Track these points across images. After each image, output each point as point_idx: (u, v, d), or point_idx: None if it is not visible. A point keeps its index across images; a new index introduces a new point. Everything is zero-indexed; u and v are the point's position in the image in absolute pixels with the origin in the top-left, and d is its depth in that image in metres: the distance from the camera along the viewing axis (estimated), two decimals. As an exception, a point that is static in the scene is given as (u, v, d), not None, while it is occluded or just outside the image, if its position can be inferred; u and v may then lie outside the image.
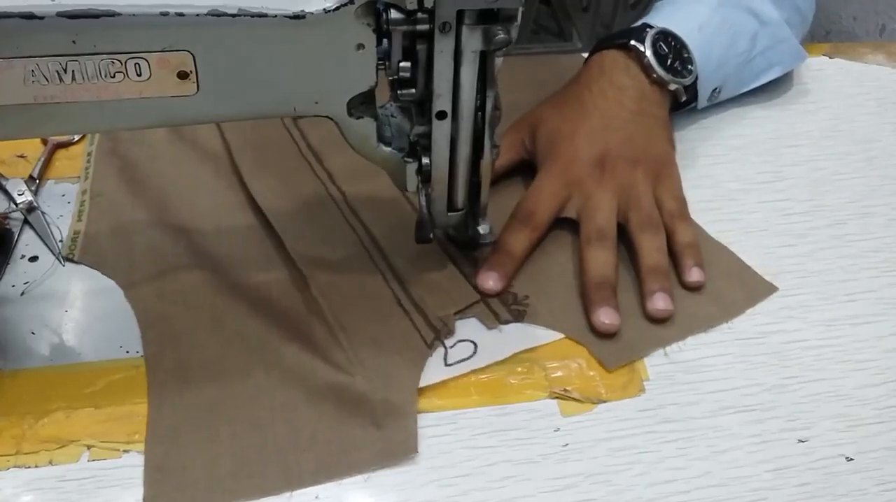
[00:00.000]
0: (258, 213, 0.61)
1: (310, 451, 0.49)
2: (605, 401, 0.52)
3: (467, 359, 0.54)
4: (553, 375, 0.54)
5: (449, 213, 0.55)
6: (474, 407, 0.52)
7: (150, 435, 0.49)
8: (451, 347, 0.54)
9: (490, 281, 0.57)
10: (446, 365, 0.53)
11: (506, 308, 0.57)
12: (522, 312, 0.57)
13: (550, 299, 0.57)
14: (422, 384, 0.52)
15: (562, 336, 0.56)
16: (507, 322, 0.56)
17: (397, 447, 0.49)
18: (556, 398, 0.53)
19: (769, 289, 0.60)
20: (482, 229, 0.56)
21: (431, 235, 0.54)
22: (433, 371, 0.53)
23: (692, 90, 0.69)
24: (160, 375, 0.52)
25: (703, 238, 0.62)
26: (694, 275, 0.58)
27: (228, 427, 0.50)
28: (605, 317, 0.55)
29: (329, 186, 0.64)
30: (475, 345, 0.55)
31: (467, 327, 0.56)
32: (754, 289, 0.59)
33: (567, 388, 0.53)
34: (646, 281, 0.57)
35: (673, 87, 0.66)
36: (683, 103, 0.69)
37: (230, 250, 0.59)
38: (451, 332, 0.55)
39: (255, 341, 0.54)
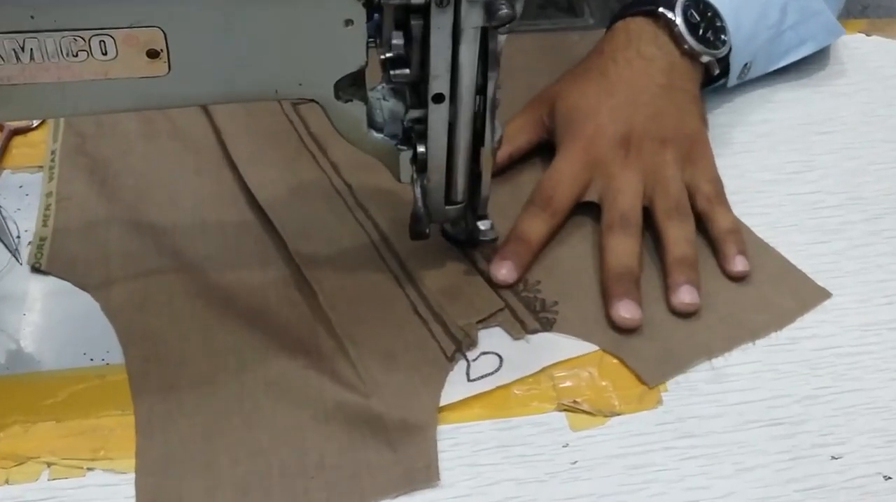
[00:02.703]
0: (253, 208, 0.60)
1: (318, 478, 0.47)
2: (618, 414, 0.52)
3: (492, 373, 0.52)
4: (561, 385, 0.53)
5: (447, 207, 0.54)
6: (475, 420, 0.51)
7: (140, 466, 0.47)
8: (474, 360, 0.53)
9: (503, 269, 0.56)
10: (469, 380, 0.52)
11: (533, 316, 0.55)
12: (551, 321, 0.55)
13: (581, 305, 0.55)
14: (443, 402, 0.50)
15: (595, 347, 0.54)
16: (534, 331, 0.54)
17: (417, 474, 0.47)
18: (565, 410, 0.52)
19: (822, 294, 0.57)
20: (482, 225, 0.55)
21: (428, 230, 0.53)
22: (454, 387, 0.51)
23: (723, 64, 0.67)
24: (147, 398, 0.50)
25: (743, 233, 0.60)
26: (738, 264, 0.57)
27: (227, 453, 0.48)
28: (626, 310, 0.54)
29: (334, 178, 0.63)
30: (500, 357, 0.53)
31: (491, 338, 0.54)
32: (806, 294, 0.57)
33: (577, 400, 0.52)
34: (671, 273, 0.56)
35: (705, 59, 0.65)
36: (713, 79, 0.67)
37: (220, 252, 0.58)
38: (473, 344, 0.53)
39: (253, 356, 0.52)
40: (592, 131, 0.60)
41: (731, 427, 0.51)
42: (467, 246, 0.58)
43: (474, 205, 0.55)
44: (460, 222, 0.56)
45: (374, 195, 0.61)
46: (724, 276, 0.58)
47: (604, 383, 0.53)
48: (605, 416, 0.52)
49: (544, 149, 0.64)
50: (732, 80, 0.69)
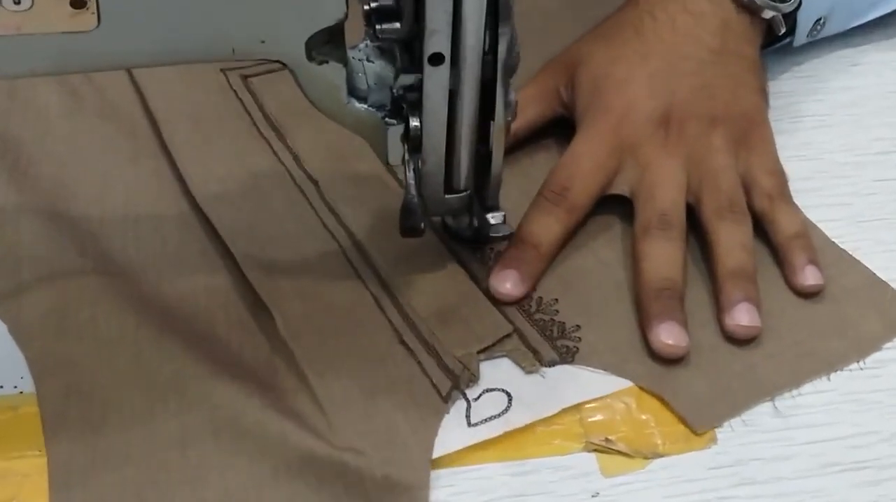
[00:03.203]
0: (197, 212, 0.58)
1: None
2: (662, 456, 0.49)
3: (498, 415, 0.50)
4: (590, 419, 0.51)
5: (447, 196, 0.53)
6: (482, 462, 0.49)
7: None
8: (476, 400, 0.51)
9: (507, 282, 0.54)
10: (470, 425, 0.50)
11: (549, 343, 0.53)
12: (573, 350, 0.53)
13: (611, 329, 0.54)
14: (436, 454, 0.48)
15: (629, 384, 0.52)
16: (552, 363, 0.52)
17: None
18: (595, 451, 0.50)
19: None
20: (493, 218, 0.53)
21: (423, 225, 0.51)
22: (452, 434, 0.49)
23: (791, 20, 0.65)
24: (65, 444, 0.48)
25: (814, 236, 0.58)
26: (809, 275, 0.55)
27: None
28: (668, 335, 0.51)
29: (295, 172, 0.61)
30: (509, 396, 0.51)
31: (497, 371, 0.52)
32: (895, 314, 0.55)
33: (610, 438, 0.50)
34: (724, 288, 0.54)
35: (768, 14, 0.62)
36: (776, 39, 0.66)
37: (158, 260, 0.56)
38: (475, 379, 0.51)
39: (198, 392, 0.50)
40: (623, 107, 0.58)
41: (804, 472, 0.49)
42: (474, 244, 0.56)
43: (482, 194, 0.53)
44: (464, 215, 0.55)
45: (346, 192, 0.59)
46: (790, 292, 0.55)
47: (643, 417, 0.51)
48: (646, 458, 0.49)
49: (559, 127, 0.62)
50: (801, 38, 0.67)
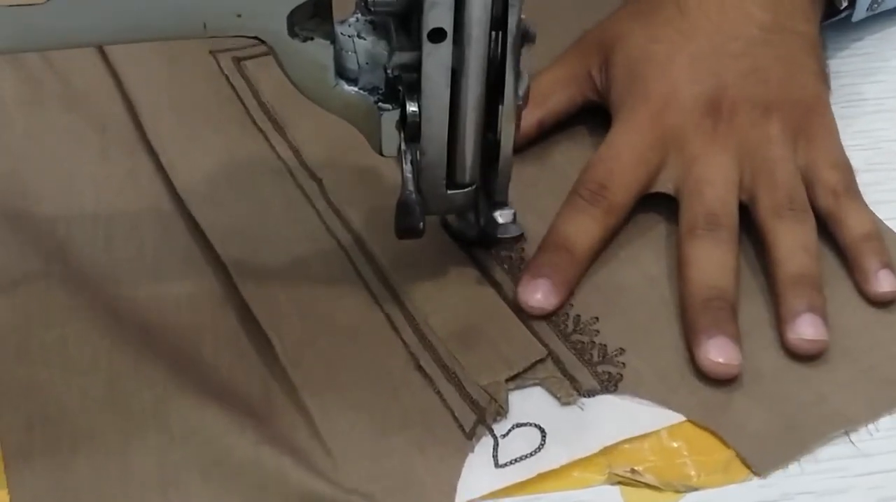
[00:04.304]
0: (180, 213, 0.56)
1: None
2: (696, 489, 0.47)
3: (530, 455, 0.47)
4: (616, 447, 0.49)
5: (449, 192, 0.51)
6: (493, 498, 0.46)
7: None
8: (505, 436, 0.48)
9: (538, 292, 0.51)
10: (497, 466, 0.47)
11: (589, 369, 0.50)
12: (616, 377, 0.50)
13: (658, 352, 0.51)
14: (460, 499, 0.46)
15: (682, 418, 0.49)
16: (591, 393, 0.50)
17: None
18: (620, 483, 0.47)
19: None
20: (501, 216, 0.51)
21: (422, 225, 0.49)
22: (477, 476, 0.47)
23: None
24: (29, 484, 0.46)
25: (884, 234, 0.56)
26: (884, 281, 0.52)
27: None
28: (718, 352, 0.49)
29: (295, 169, 0.59)
30: (542, 431, 0.48)
31: (529, 402, 0.49)
32: None
33: (636, 468, 0.47)
34: (785, 296, 0.51)
35: None
36: (835, 12, 0.64)
37: (133, 270, 0.54)
38: (503, 412, 0.49)
39: (182, 424, 0.48)
40: (665, 93, 0.56)
41: (863, 508, 0.49)
42: (479, 246, 0.55)
43: (489, 189, 0.51)
44: (468, 213, 0.53)
45: (353, 192, 0.57)
46: (861, 303, 0.53)
47: (675, 445, 0.48)
48: (678, 492, 0.47)
49: (592, 115, 0.60)
50: (861, 11, 0.65)
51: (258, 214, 0.57)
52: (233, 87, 0.63)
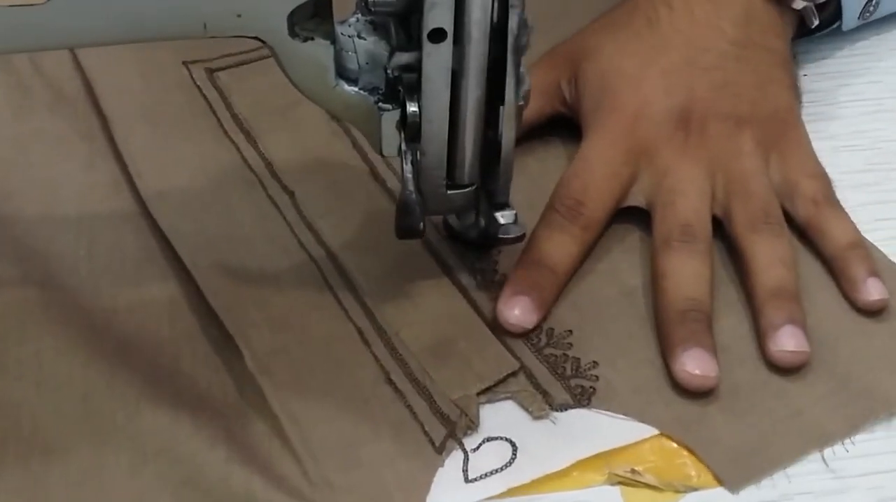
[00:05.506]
0: (154, 229, 0.56)
1: None
2: (696, 489, 0.47)
3: (501, 469, 0.47)
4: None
5: (449, 192, 0.51)
6: (492, 499, 0.46)
7: None
8: (475, 450, 0.48)
9: (516, 309, 0.51)
10: (467, 480, 0.47)
11: (562, 383, 0.50)
12: (589, 391, 0.50)
13: (633, 366, 0.51)
14: None
15: (655, 432, 0.49)
16: (564, 407, 0.49)
17: None
18: (620, 483, 0.47)
19: None
20: (502, 217, 0.51)
21: (422, 226, 0.49)
22: (447, 491, 0.47)
23: (827, 11, 0.63)
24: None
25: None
26: (873, 290, 0.52)
27: None
28: (694, 364, 0.49)
29: (267, 182, 0.58)
30: (513, 446, 0.48)
31: (500, 416, 0.49)
32: None
33: (636, 468, 0.47)
34: (765, 310, 0.51)
35: (799, 5, 0.61)
36: (813, 29, 0.64)
37: (114, 282, 0.54)
38: (474, 426, 0.48)
39: (156, 442, 0.48)
40: (636, 106, 0.56)
41: (862, 508, 0.48)
42: (482, 247, 0.55)
43: (490, 189, 0.51)
44: (469, 214, 0.53)
45: (325, 205, 0.57)
46: (839, 315, 0.53)
47: (674, 445, 0.48)
48: (678, 492, 0.47)
49: (561, 127, 0.60)
50: (850, 21, 0.65)
51: (229, 226, 0.57)
52: (205, 98, 0.63)
